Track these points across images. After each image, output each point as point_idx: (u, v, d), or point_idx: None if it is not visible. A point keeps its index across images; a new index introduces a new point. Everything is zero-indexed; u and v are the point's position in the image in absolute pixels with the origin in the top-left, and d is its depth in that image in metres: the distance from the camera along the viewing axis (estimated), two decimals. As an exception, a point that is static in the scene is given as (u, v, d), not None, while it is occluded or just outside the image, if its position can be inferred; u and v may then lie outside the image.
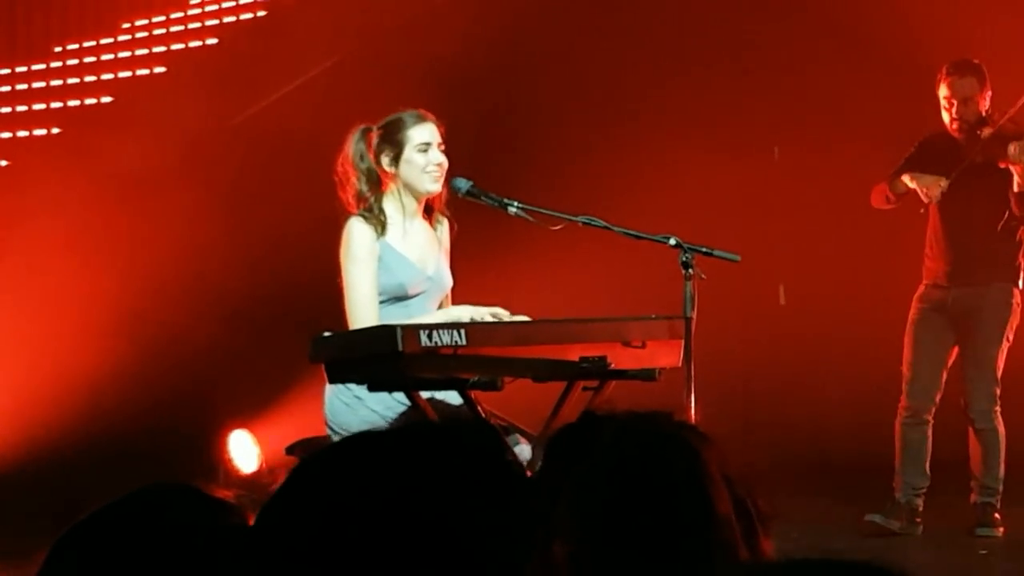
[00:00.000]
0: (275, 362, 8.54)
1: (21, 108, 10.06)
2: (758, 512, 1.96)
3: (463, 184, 5.83)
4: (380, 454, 1.61)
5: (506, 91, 10.33)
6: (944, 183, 7.69)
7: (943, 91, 7.84)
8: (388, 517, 1.55)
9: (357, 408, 5.62)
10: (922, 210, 7.78)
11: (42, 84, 10.15)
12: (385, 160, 5.81)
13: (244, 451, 9.31)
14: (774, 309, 10.48)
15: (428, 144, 5.80)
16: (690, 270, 5.49)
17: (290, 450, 5.87)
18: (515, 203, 5.75)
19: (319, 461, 1.63)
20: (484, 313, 5.60)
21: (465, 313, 5.61)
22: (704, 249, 5.57)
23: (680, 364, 5.48)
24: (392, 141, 5.81)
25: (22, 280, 9.04)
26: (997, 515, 7.79)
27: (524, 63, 10.35)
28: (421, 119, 5.84)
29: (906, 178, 7.83)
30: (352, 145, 5.85)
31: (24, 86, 10.17)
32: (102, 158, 9.28)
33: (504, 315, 5.62)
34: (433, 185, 5.83)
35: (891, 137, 8.67)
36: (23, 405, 8.77)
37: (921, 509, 7.91)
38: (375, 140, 5.83)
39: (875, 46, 9.81)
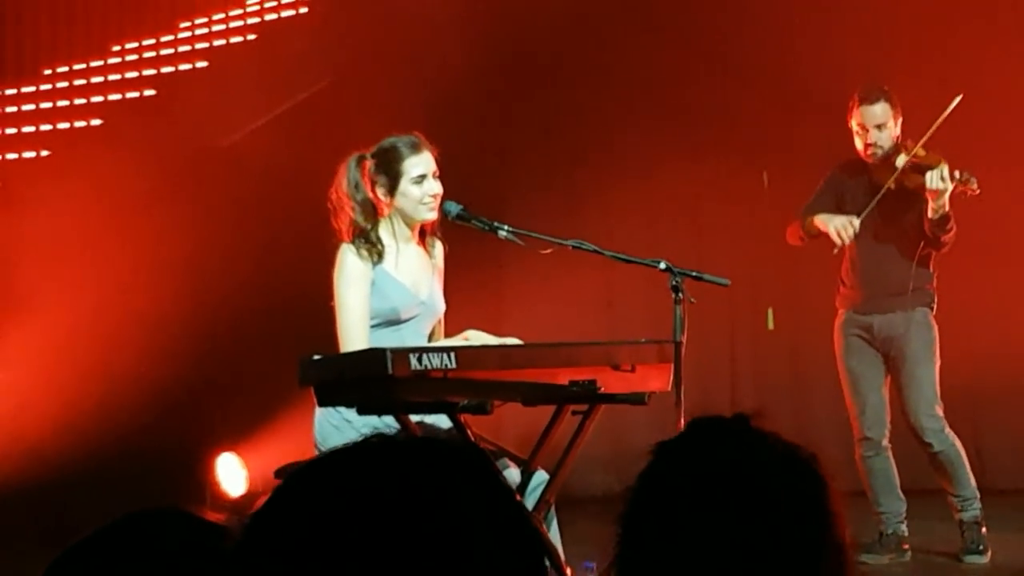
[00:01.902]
0: (264, 385, 8.53)
1: (10, 131, 10.05)
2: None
3: (453, 208, 5.83)
4: (363, 469, 1.60)
5: (495, 115, 10.35)
6: (856, 222, 7.66)
7: (856, 118, 7.79)
8: (372, 533, 1.54)
9: (346, 431, 5.60)
10: (835, 251, 7.72)
11: (32, 107, 10.14)
12: (381, 190, 5.80)
13: (232, 474, 9.29)
14: (763, 333, 10.47)
15: (424, 176, 5.79)
16: (680, 294, 5.49)
17: (279, 474, 5.85)
18: (505, 227, 5.76)
19: (301, 478, 1.62)
20: (499, 343, 5.59)
21: (479, 341, 5.61)
22: (694, 273, 5.58)
23: (669, 388, 5.48)
24: (388, 172, 5.79)
25: (8, 303, 9.03)
26: (984, 530, 7.77)
27: (514, 88, 10.37)
28: (417, 149, 5.82)
29: (818, 221, 7.77)
30: (346, 174, 5.83)
31: (14, 108, 10.16)
32: (91, 181, 9.28)
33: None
34: (429, 215, 5.83)
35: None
36: (11, 429, 8.75)
37: (907, 534, 7.91)
38: (370, 169, 5.81)
39: (865, 72, 9.84)
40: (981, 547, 7.76)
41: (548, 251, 5.80)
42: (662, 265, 5.57)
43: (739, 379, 10.68)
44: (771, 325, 10.35)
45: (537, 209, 8.91)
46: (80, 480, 8.41)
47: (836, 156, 8.08)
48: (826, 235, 7.78)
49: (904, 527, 7.90)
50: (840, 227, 7.66)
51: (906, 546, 7.90)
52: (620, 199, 10.09)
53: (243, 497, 9.17)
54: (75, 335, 9.02)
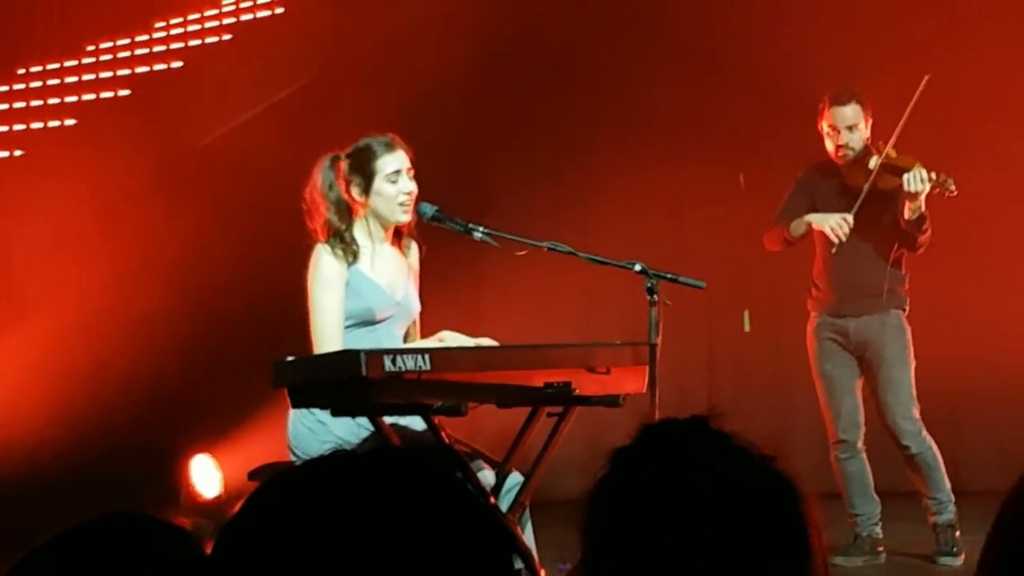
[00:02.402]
0: (239, 386, 8.50)
1: (-16, 130, 10.01)
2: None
3: (428, 209, 5.82)
4: (340, 478, 1.59)
5: (473, 116, 10.34)
6: (851, 218, 7.66)
7: (827, 119, 7.78)
8: (348, 541, 1.53)
9: (320, 433, 5.59)
10: (833, 250, 7.70)
11: (5, 106, 10.09)
12: (355, 191, 5.79)
13: (206, 476, 9.26)
14: (739, 336, 10.48)
15: (398, 173, 5.78)
16: (655, 296, 5.49)
17: (253, 475, 5.84)
18: (480, 228, 5.74)
19: (278, 484, 1.61)
20: (474, 343, 5.59)
21: (454, 342, 5.60)
22: (669, 275, 5.57)
23: (644, 390, 5.47)
24: (362, 171, 5.78)
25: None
26: (958, 533, 7.78)
27: (492, 89, 10.35)
28: (390, 147, 5.82)
29: (811, 220, 7.76)
30: (321, 174, 5.83)
31: (-13, 108, 10.12)
32: (65, 181, 9.24)
33: (492, 346, 5.63)
34: (403, 215, 5.82)
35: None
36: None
37: (881, 536, 7.91)
38: (344, 169, 5.81)
39: (841, 74, 9.85)
40: (955, 549, 7.77)
41: (523, 252, 5.79)
42: (637, 267, 5.57)
43: (717, 381, 10.68)
44: (747, 327, 10.36)
45: (516, 211, 8.90)
46: (52, 481, 8.37)
47: (813, 157, 8.07)
48: (809, 238, 7.78)
49: (878, 529, 7.90)
50: (836, 225, 7.66)
51: (880, 548, 7.90)
52: (598, 201, 10.08)
53: (218, 499, 9.13)
54: (46, 337, 8.98)
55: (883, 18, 10.14)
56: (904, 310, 7.87)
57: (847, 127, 7.75)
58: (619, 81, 10.42)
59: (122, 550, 1.92)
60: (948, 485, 7.81)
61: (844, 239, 7.64)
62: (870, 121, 7.80)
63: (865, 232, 7.76)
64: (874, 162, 7.68)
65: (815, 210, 7.84)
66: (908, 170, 7.51)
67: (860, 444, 7.87)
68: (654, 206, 10.34)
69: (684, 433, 1.94)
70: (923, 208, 7.55)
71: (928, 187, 7.48)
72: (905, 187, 7.48)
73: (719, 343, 10.68)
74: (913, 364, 7.81)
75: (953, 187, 7.54)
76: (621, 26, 10.52)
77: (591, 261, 5.73)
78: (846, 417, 7.85)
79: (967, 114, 9.61)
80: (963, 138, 9.39)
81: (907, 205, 7.55)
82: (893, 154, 7.65)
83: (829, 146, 7.82)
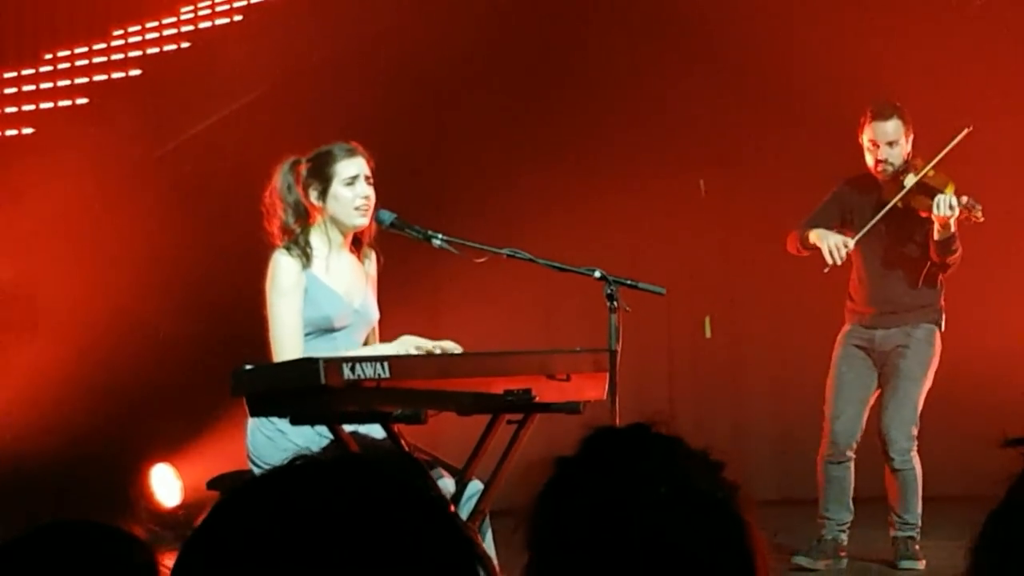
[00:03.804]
0: (198, 395, 8.47)
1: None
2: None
3: (387, 216, 5.81)
4: (301, 490, 1.58)
5: (432, 124, 10.33)
6: (851, 243, 7.70)
7: (867, 134, 7.81)
8: (310, 553, 1.52)
9: (279, 441, 5.56)
10: (825, 270, 7.74)
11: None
12: (313, 194, 5.78)
13: (166, 485, 9.23)
14: (699, 342, 10.49)
15: (355, 178, 5.77)
16: (615, 303, 5.49)
17: (212, 484, 5.82)
18: (439, 235, 5.74)
19: (241, 496, 1.60)
20: (432, 346, 5.58)
21: (412, 345, 5.59)
22: (629, 282, 5.58)
23: (605, 397, 5.47)
24: (320, 175, 5.77)
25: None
26: (918, 547, 7.82)
27: (448, 96, 10.35)
28: (351, 153, 5.81)
29: (813, 236, 7.79)
30: (280, 177, 5.82)
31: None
32: (21, 190, 9.20)
33: (453, 348, 5.62)
34: (360, 219, 5.80)
35: (818, 171, 8.72)
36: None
37: (846, 543, 7.93)
38: (303, 173, 5.80)
39: (800, 82, 9.88)
40: (915, 554, 7.79)
41: (483, 259, 5.78)
42: (597, 274, 5.57)
43: (677, 387, 10.68)
44: (708, 333, 10.38)
45: (474, 218, 8.88)
46: (7, 490, 8.31)
47: (779, 162, 8.10)
48: (819, 250, 7.79)
49: (845, 536, 7.92)
50: (833, 247, 7.68)
51: (843, 553, 7.92)
52: (557, 208, 10.08)
53: (178, 508, 9.10)
54: (6, 344, 8.94)
55: (852, 22, 10.15)
56: (938, 326, 7.90)
57: (887, 143, 7.77)
58: (577, 88, 10.43)
59: (67, 557, 1.90)
60: (919, 511, 7.83)
61: (839, 262, 7.67)
62: (911, 137, 7.82)
63: (899, 248, 7.84)
64: (910, 180, 7.71)
65: (847, 223, 7.87)
66: (941, 191, 7.55)
67: (850, 452, 7.87)
68: (614, 213, 10.34)
69: (627, 442, 1.94)
70: (952, 230, 7.60)
71: (957, 212, 7.52)
72: (935, 212, 7.53)
73: (679, 349, 10.69)
74: (927, 383, 7.85)
75: (980, 214, 7.60)
76: (579, 33, 10.53)
77: (551, 268, 5.74)
78: (845, 422, 7.87)
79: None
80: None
81: (936, 226, 7.60)
82: (932, 173, 7.68)
83: (869, 160, 7.83)
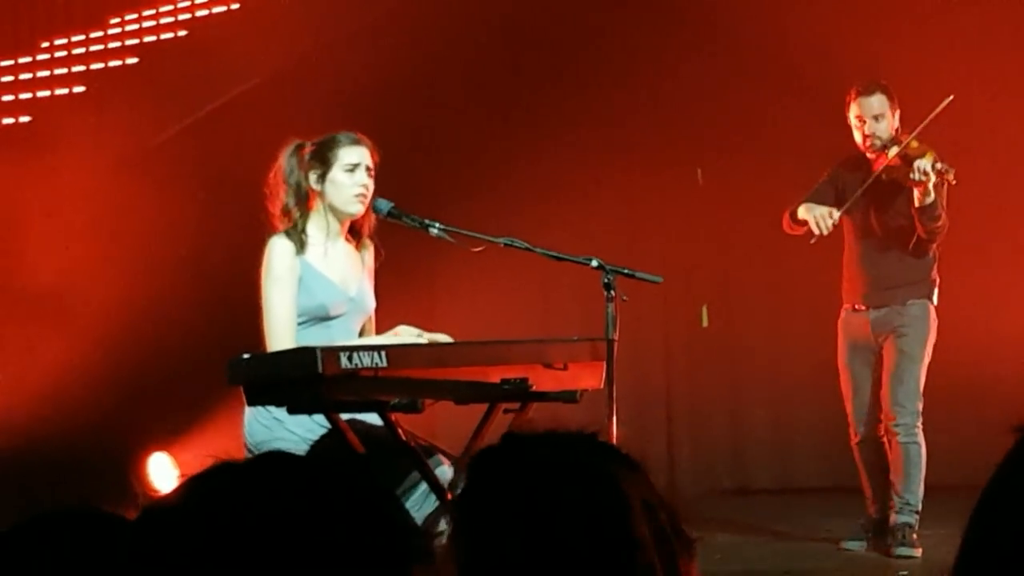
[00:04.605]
0: (196, 384, 8.47)
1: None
2: (680, 538, 1.94)
3: (384, 205, 5.80)
4: (231, 486, 1.61)
5: (428, 113, 10.32)
6: (836, 214, 7.77)
7: (854, 110, 7.93)
8: (252, 551, 1.56)
9: (276, 430, 5.57)
10: (812, 241, 7.79)
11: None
12: (312, 177, 5.79)
13: (164, 474, 9.23)
14: (696, 331, 10.51)
15: (356, 165, 5.77)
16: (612, 292, 5.49)
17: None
18: (436, 224, 5.74)
19: (164, 504, 1.63)
20: (429, 338, 5.58)
21: (414, 334, 5.59)
22: (626, 271, 5.58)
23: (602, 386, 5.47)
24: (321, 159, 5.79)
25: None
26: (915, 535, 7.83)
27: (446, 84, 10.34)
28: (356, 142, 5.83)
29: (802, 210, 7.88)
30: (284, 158, 5.83)
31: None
32: (19, 179, 9.20)
33: (445, 341, 5.62)
34: (356, 207, 5.80)
35: (814, 158, 8.72)
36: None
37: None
38: (306, 156, 5.82)
39: (795, 68, 9.88)
40: (912, 542, 7.81)
41: (480, 249, 5.78)
42: (594, 263, 5.57)
43: (674, 376, 10.69)
44: (705, 322, 10.39)
45: (471, 207, 8.88)
46: (6, 478, 8.32)
47: (772, 153, 8.12)
48: (839, 229, 7.89)
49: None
50: (819, 217, 7.78)
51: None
52: (555, 196, 10.09)
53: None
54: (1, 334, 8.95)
55: (847, 9, 10.14)
56: (931, 299, 7.96)
57: (873, 116, 7.87)
58: (575, 77, 10.43)
59: (65, 545, 1.91)
60: (921, 493, 7.86)
61: (826, 232, 7.74)
62: (897, 112, 7.92)
63: (886, 222, 7.91)
64: (892, 152, 7.78)
65: (840, 202, 7.93)
66: (920, 160, 7.62)
67: (877, 433, 7.96)
68: (611, 202, 10.35)
69: (540, 445, 1.96)
70: (933, 197, 7.66)
71: (933, 176, 7.57)
72: (911, 176, 7.58)
73: (676, 337, 10.70)
74: (927, 359, 7.92)
75: (952, 176, 7.64)
76: (576, 21, 10.53)
77: (548, 257, 5.73)
78: (862, 412, 7.99)
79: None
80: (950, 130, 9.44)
81: (916, 193, 7.66)
82: (915, 144, 7.73)
83: (857, 137, 7.95)
